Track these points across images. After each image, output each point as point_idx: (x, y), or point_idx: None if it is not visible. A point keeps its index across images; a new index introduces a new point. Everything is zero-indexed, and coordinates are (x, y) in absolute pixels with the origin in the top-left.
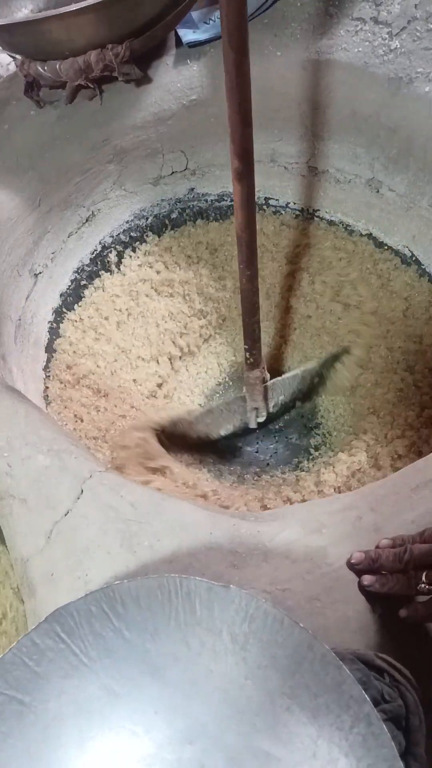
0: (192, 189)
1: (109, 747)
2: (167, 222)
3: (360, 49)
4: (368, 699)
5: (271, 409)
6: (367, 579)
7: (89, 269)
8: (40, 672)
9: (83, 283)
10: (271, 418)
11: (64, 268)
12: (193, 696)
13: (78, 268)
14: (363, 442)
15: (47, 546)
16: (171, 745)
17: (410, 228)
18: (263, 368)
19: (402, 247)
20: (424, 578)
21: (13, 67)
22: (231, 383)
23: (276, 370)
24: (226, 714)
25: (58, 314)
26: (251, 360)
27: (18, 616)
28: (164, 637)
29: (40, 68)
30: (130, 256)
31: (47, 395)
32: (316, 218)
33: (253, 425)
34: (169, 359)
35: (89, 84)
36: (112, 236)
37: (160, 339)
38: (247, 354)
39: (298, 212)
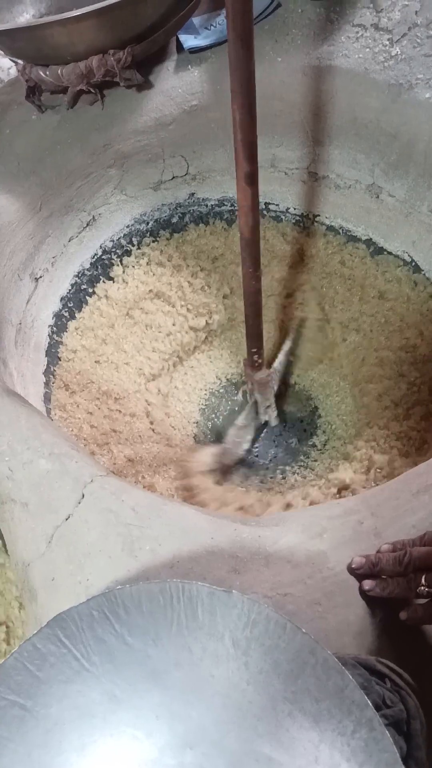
0: (192, 194)
1: (111, 752)
2: (168, 227)
3: (361, 55)
4: (370, 704)
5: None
6: (368, 584)
7: (90, 273)
8: (41, 677)
9: (84, 287)
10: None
11: (65, 273)
12: (194, 701)
13: (78, 273)
14: (361, 449)
15: (48, 550)
16: (172, 749)
17: (410, 233)
18: (267, 367)
19: (402, 253)
20: (423, 581)
21: (14, 72)
22: (230, 386)
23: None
24: (228, 719)
25: (59, 318)
26: (258, 361)
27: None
28: (166, 642)
29: (41, 73)
30: (131, 261)
31: (47, 399)
32: (316, 223)
33: (274, 422)
34: (169, 363)
35: (91, 89)
36: (113, 241)
37: (160, 343)
38: (255, 356)
39: (298, 217)
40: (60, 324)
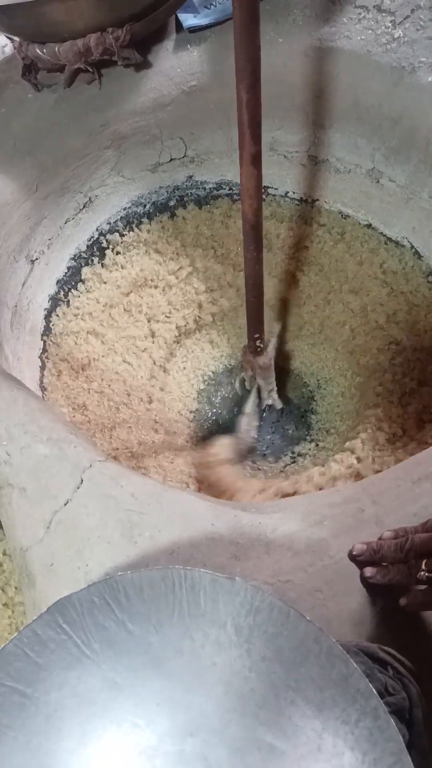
0: (190, 176)
1: (111, 739)
2: (165, 210)
3: (363, 37)
4: (375, 693)
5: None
6: (369, 571)
7: (86, 256)
8: (41, 663)
9: (80, 269)
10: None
11: (61, 255)
12: (195, 688)
13: (75, 255)
14: (357, 441)
15: (47, 536)
16: (173, 737)
17: (410, 219)
18: (268, 351)
19: (401, 238)
20: (423, 566)
21: (9, 50)
22: (228, 369)
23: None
24: (229, 706)
25: (55, 301)
26: (260, 346)
27: None
28: (167, 629)
29: (38, 51)
30: (128, 244)
31: (43, 383)
32: (315, 208)
33: (279, 405)
34: (166, 346)
35: (88, 68)
36: (110, 223)
37: (156, 326)
38: (258, 342)
39: (297, 202)
40: (56, 307)
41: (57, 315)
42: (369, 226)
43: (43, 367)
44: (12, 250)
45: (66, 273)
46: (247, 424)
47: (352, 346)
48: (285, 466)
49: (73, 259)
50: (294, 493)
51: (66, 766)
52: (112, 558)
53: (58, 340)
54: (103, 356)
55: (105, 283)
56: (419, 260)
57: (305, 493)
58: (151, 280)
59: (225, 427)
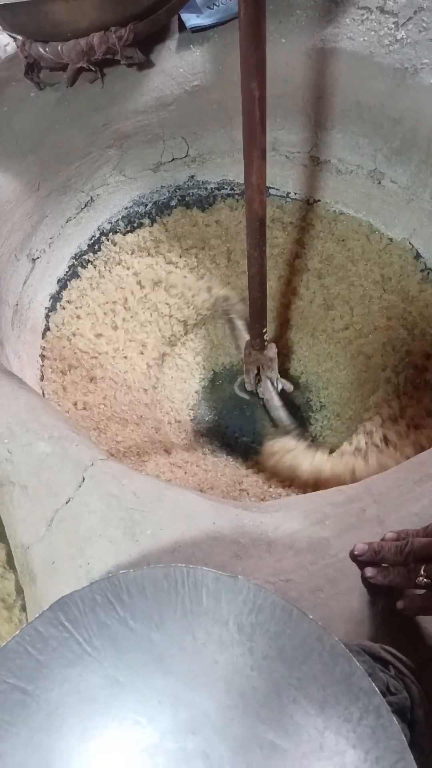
0: (192, 176)
1: (112, 736)
2: (167, 209)
3: (366, 38)
4: (378, 691)
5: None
6: (370, 570)
7: (87, 255)
8: (43, 660)
9: (81, 268)
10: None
11: (62, 254)
12: (197, 686)
13: (76, 254)
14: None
15: (48, 534)
16: (174, 734)
17: (411, 220)
18: (266, 352)
19: (402, 240)
20: (422, 571)
21: (11, 48)
22: (228, 369)
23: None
24: (231, 704)
25: (56, 300)
26: (265, 341)
27: None
28: (170, 627)
29: (41, 49)
30: (129, 243)
31: (44, 381)
32: (316, 208)
33: (290, 387)
34: (167, 345)
35: (91, 67)
36: (111, 222)
37: (157, 326)
38: (262, 337)
39: (298, 202)
40: (57, 306)
41: (58, 314)
42: (370, 226)
43: (43, 366)
44: (13, 248)
45: (67, 272)
46: (284, 414)
47: (353, 346)
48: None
49: (74, 258)
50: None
51: (67, 763)
52: (113, 556)
53: (59, 338)
54: (103, 355)
55: (106, 282)
56: (420, 261)
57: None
58: (152, 279)
59: (225, 426)
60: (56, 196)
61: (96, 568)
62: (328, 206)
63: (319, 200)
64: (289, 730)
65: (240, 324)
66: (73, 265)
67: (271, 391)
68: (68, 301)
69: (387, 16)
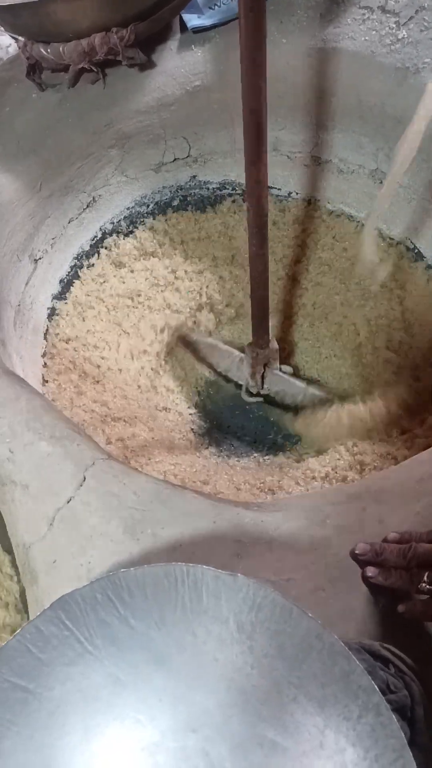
0: (194, 176)
1: (113, 735)
2: (168, 209)
3: (367, 38)
4: (377, 689)
5: (261, 391)
6: (371, 570)
7: (89, 256)
8: (44, 659)
9: (83, 269)
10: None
11: (64, 255)
12: (198, 684)
13: (78, 255)
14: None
15: (49, 533)
16: (175, 733)
17: (413, 220)
18: (267, 353)
19: (404, 239)
20: (425, 578)
21: (14, 49)
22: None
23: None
24: (232, 703)
25: (58, 300)
26: (268, 338)
27: None
28: (170, 626)
29: (42, 50)
30: (131, 244)
31: (46, 381)
32: (318, 208)
33: (290, 369)
34: (168, 345)
35: (92, 67)
36: (113, 223)
37: (158, 325)
38: (265, 335)
39: (300, 202)
40: (59, 306)
41: (60, 314)
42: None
43: (45, 366)
44: (15, 249)
45: (69, 272)
46: (310, 388)
47: (355, 345)
48: None
49: (76, 258)
50: None
51: (69, 761)
52: (114, 555)
53: (61, 338)
54: (105, 355)
55: (107, 282)
56: (421, 261)
57: None
58: (154, 278)
59: (226, 425)
60: (58, 196)
61: (97, 567)
62: (330, 206)
63: (321, 200)
64: (289, 728)
65: (209, 341)
66: (75, 265)
67: (283, 377)
68: (70, 302)
69: (388, 15)
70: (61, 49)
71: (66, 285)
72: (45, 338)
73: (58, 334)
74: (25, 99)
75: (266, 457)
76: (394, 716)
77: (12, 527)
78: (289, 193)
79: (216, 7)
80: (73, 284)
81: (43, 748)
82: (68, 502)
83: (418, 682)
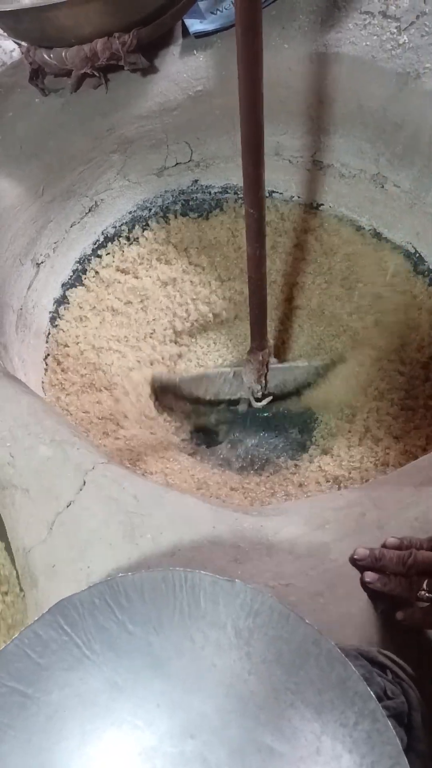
0: (196, 181)
1: (111, 740)
2: (170, 214)
3: (368, 43)
4: (373, 696)
5: (267, 392)
6: (370, 576)
7: (91, 260)
8: (42, 664)
9: (85, 273)
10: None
11: (66, 259)
12: (196, 690)
13: (80, 259)
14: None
15: (49, 537)
16: (173, 738)
17: (414, 224)
18: (268, 351)
19: (405, 243)
20: (425, 586)
21: (17, 54)
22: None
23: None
24: (229, 708)
25: (60, 304)
26: (267, 341)
27: None
28: (168, 631)
29: (45, 55)
30: (133, 248)
31: (47, 385)
32: (319, 212)
33: (242, 408)
34: (170, 349)
35: (95, 72)
36: (115, 227)
37: (160, 329)
38: (263, 340)
39: (301, 206)
40: (61, 310)
41: (62, 318)
42: (373, 230)
43: (47, 370)
44: (18, 253)
45: (71, 276)
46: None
47: (354, 348)
48: None
49: (78, 262)
50: None
51: (66, 765)
52: (113, 559)
53: (63, 342)
54: (106, 359)
55: (109, 286)
56: (422, 265)
57: None
58: (157, 283)
59: (227, 428)
60: (60, 201)
61: (96, 571)
62: (331, 210)
63: (322, 204)
64: (287, 734)
65: (193, 374)
66: (77, 269)
67: (282, 367)
68: (72, 306)
69: (389, 20)
70: (63, 54)
71: (68, 289)
72: (47, 342)
73: (59, 338)
74: (27, 104)
75: (280, 460)
76: (390, 723)
77: (12, 531)
78: (291, 197)
79: (218, 12)
80: (76, 288)
81: (41, 753)
82: (68, 506)
83: (416, 688)
